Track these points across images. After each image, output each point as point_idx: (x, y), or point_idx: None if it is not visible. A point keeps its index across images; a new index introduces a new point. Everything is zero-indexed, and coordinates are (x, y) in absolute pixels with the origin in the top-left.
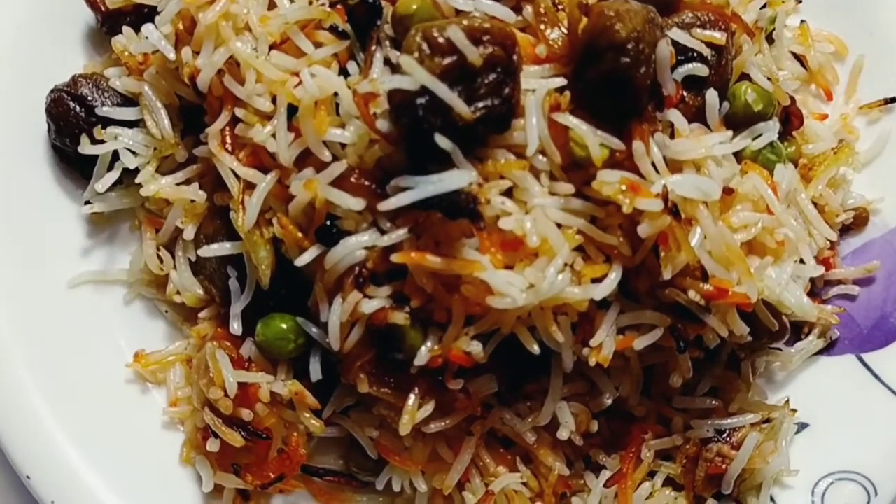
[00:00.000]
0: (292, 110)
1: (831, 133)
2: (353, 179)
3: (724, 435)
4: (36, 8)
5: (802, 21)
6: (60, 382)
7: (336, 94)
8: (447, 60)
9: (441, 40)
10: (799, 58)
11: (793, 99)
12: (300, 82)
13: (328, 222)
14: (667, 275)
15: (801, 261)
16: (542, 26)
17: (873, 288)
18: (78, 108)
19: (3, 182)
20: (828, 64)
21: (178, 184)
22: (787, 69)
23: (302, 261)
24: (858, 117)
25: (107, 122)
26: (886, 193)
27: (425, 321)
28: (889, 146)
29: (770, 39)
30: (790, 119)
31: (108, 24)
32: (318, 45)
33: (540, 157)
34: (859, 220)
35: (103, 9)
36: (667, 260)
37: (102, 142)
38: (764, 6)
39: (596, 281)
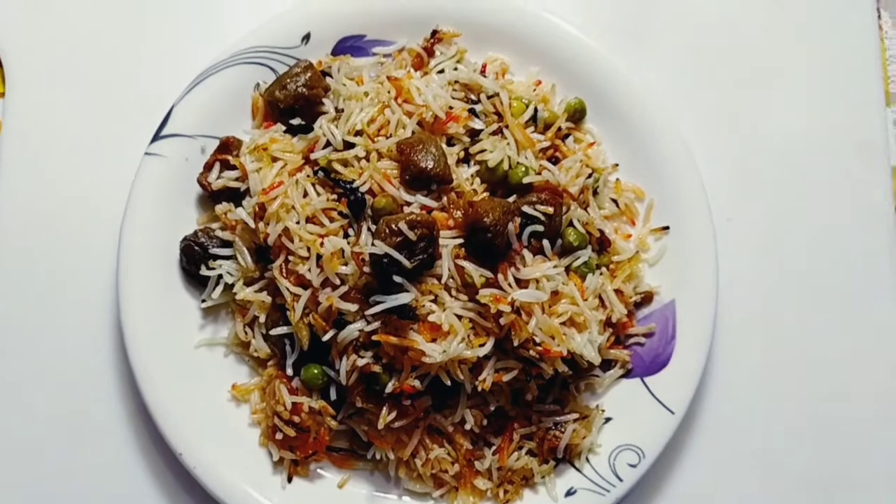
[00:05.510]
0: (319, 257)
1: (633, 247)
2: (352, 294)
3: (559, 425)
4: (166, 189)
5: (617, 178)
6: (189, 401)
7: (342, 249)
8: (398, 238)
9: (395, 228)
10: (615, 200)
11: (602, 231)
12: (323, 243)
13: (339, 317)
14: (516, 343)
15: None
16: (452, 209)
17: (653, 339)
18: (199, 249)
19: (157, 290)
20: (632, 204)
21: (255, 291)
22: (607, 208)
23: (326, 337)
24: (650, 237)
25: (215, 257)
26: (663, 283)
27: (391, 369)
28: (665, 255)
29: (595, 192)
30: (603, 242)
31: (212, 197)
32: (331, 219)
33: (450, 281)
34: (647, 299)
35: (210, 189)
36: (516, 336)
37: (212, 269)
38: (590, 175)
39: (481, 346)
